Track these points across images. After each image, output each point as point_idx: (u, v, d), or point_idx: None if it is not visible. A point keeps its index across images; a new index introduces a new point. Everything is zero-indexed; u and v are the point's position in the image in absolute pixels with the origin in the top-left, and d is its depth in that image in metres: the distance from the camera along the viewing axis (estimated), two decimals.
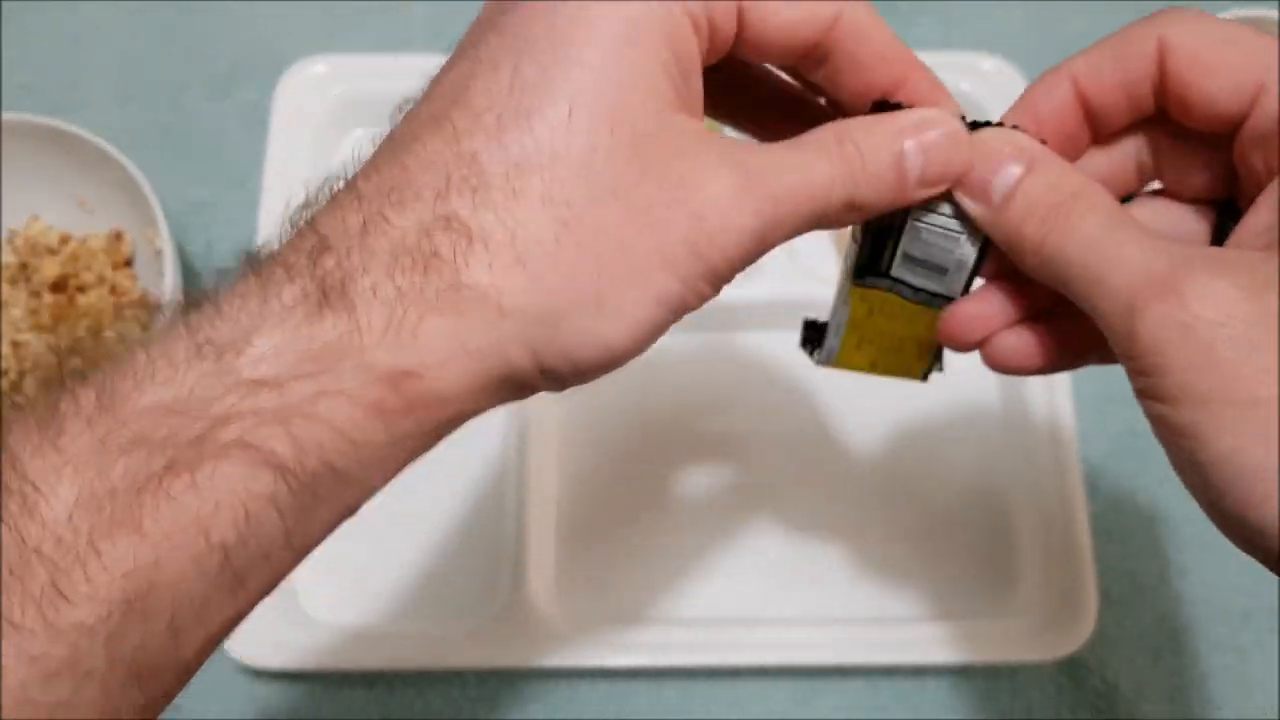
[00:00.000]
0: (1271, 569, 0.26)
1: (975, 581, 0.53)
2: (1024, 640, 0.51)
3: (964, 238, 0.30)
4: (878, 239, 0.31)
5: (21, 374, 0.55)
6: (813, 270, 0.58)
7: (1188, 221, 0.31)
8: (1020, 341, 0.31)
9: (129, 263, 0.58)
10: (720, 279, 0.27)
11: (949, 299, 0.32)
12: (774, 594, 0.53)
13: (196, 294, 0.26)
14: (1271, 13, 0.58)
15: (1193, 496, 0.26)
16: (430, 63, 0.28)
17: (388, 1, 0.65)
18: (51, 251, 0.58)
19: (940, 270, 0.31)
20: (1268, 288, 0.25)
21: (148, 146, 0.59)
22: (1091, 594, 0.50)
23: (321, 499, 0.25)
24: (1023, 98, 0.30)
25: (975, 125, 0.29)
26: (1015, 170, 0.28)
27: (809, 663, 0.51)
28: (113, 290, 0.57)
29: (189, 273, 0.59)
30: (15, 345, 0.55)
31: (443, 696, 0.52)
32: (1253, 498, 0.24)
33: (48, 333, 0.56)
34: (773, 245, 0.28)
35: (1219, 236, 0.30)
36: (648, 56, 0.26)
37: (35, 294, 0.57)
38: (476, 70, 0.26)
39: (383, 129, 0.28)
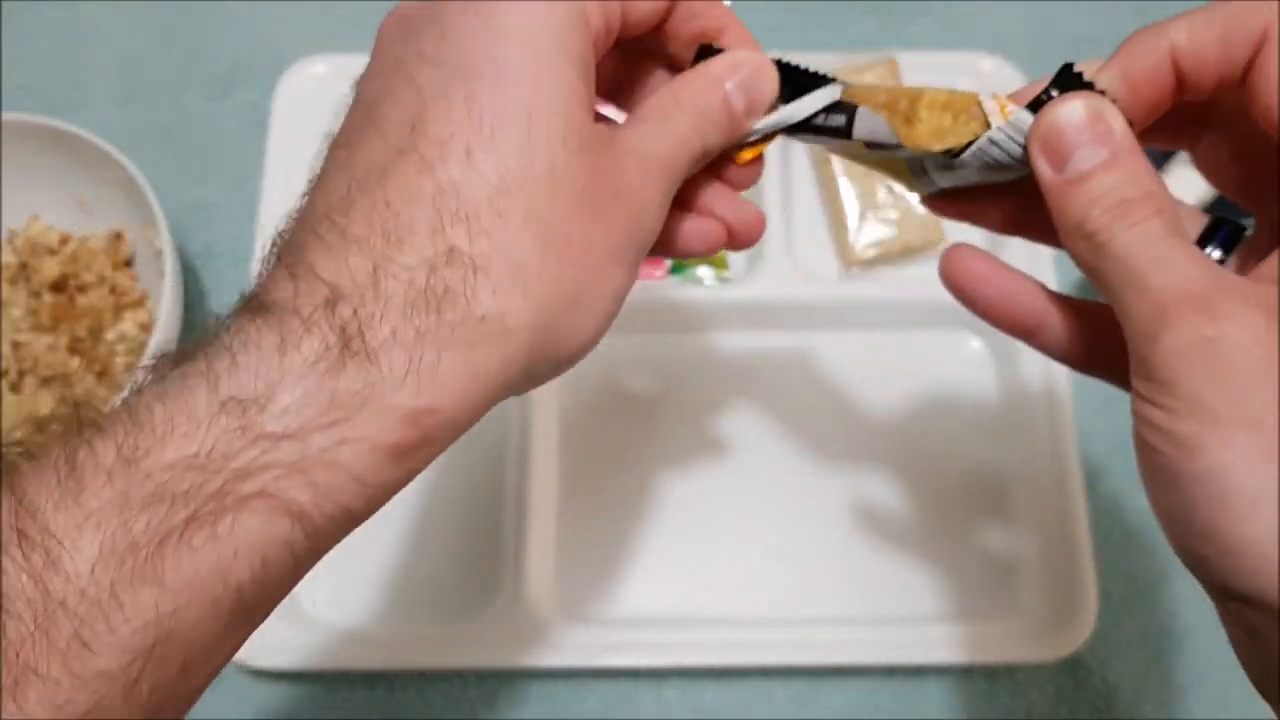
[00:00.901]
0: (1214, 590, 0.27)
1: (975, 581, 0.53)
2: (1024, 640, 0.51)
3: (1014, 165, 0.30)
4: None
5: (21, 374, 0.55)
6: (813, 270, 0.58)
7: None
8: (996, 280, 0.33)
9: (129, 263, 0.58)
10: (644, 256, 0.31)
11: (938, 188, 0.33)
12: (775, 594, 0.53)
13: (207, 336, 0.26)
14: None
15: (1153, 506, 0.27)
16: None
17: (387, 2, 0.65)
18: (51, 251, 0.58)
19: (958, 173, 0.32)
20: None
21: (148, 146, 0.59)
22: (1091, 594, 0.50)
23: (331, 537, 0.26)
24: (1118, 56, 0.29)
25: (1066, 78, 0.29)
26: (1097, 156, 0.28)
27: (809, 663, 0.51)
28: (113, 290, 0.57)
29: (189, 273, 0.59)
30: (15, 345, 0.55)
31: (443, 696, 0.52)
32: (1230, 511, 0.25)
33: (48, 333, 0.56)
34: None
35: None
36: (575, 66, 0.28)
37: (35, 294, 0.57)
38: (426, 101, 0.28)
39: None
